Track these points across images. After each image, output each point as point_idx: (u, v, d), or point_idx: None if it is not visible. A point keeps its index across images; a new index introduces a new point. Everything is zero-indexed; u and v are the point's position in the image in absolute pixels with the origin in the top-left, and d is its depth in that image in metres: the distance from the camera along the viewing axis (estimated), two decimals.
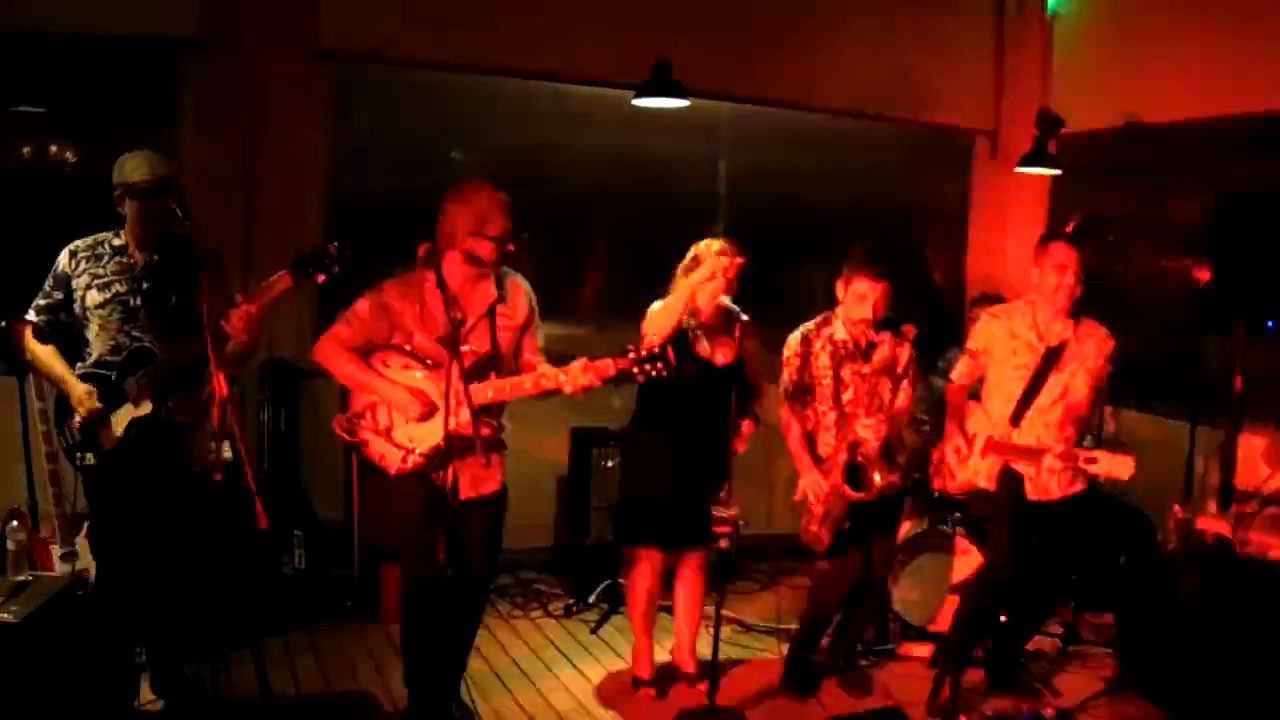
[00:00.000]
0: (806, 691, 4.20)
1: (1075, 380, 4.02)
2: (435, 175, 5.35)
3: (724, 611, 4.17)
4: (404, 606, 3.71)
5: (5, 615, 3.31)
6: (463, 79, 5.50)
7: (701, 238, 4.03)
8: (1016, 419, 4.04)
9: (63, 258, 3.56)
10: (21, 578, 3.61)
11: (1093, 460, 3.79)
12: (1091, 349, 4.04)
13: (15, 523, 4.01)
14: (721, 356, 3.95)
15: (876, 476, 3.94)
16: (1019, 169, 5.94)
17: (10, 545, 4.01)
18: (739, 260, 3.91)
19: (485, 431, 3.46)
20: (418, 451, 3.48)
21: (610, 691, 4.23)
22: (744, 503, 3.73)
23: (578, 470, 5.38)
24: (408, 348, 3.50)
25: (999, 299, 5.63)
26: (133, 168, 3.46)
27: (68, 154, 5.09)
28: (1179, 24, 5.50)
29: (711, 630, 3.90)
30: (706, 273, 3.86)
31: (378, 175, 5.51)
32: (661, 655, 4.35)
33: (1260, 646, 3.89)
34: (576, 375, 3.35)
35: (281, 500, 4.74)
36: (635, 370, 3.33)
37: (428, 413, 3.47)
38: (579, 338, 5.86)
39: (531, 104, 5.74)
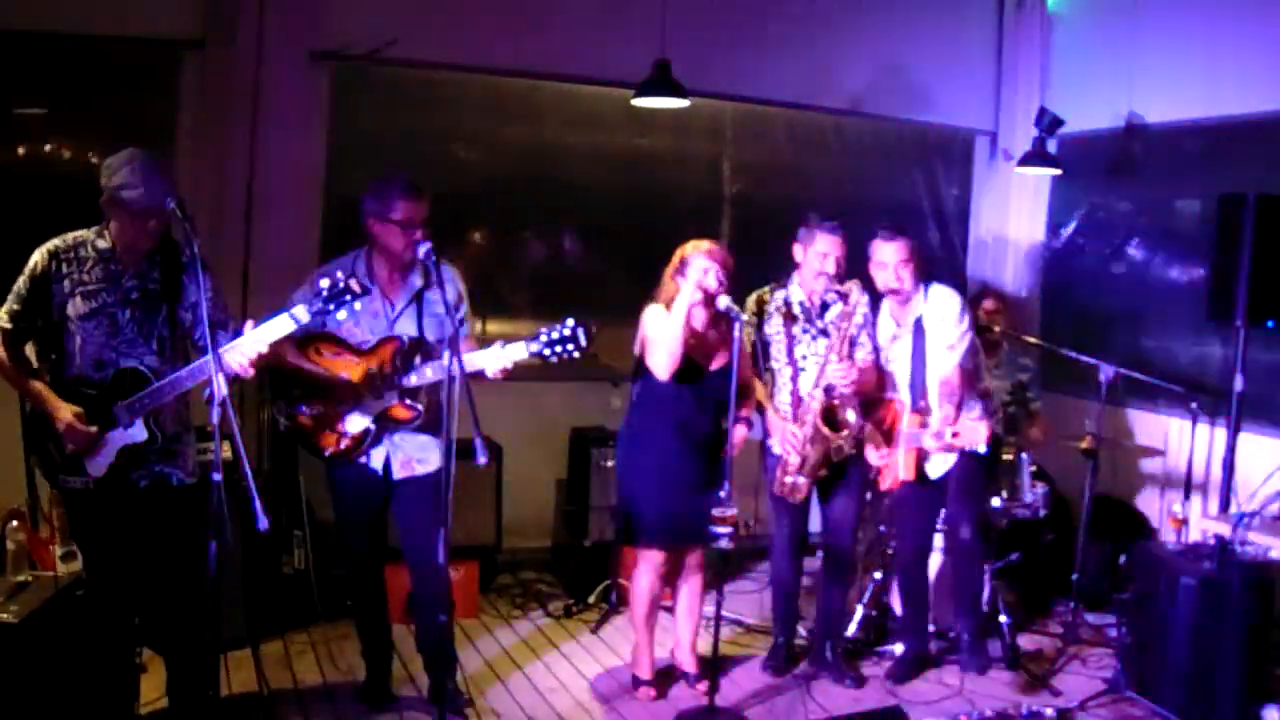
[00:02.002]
0: (780, 671, 4.38)
1: (944, 352, 4.13)
2: (435, 175, 5.33)
3: (724, 611, 4.17)
4: (349, 584, 4.00)
5: (5, 615, 3.31)
6: (463, 79, 5.51)
7: (704, 238, 4.02)
8: (915, 404, 4.18)
9: (40, 258, 3.21)
10: (21, 578, 3.61)
11: (956, 434, 3.93)
12: (935, 314, 4.14)
13: (15, 523, 4.01)
14: (716, 360, 3.95)
15: (850, 414, 4.02)
16: (1019, 169, 5.95)
17: (10, 545, 4.01)
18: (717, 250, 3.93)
19: (413, 414, 3.59)
20: (349, 435, 3.61)
21: (610, 691, 4.23)
22: (744, 504, 3.73)
23: (577, 470, 5.37)
24: (339, 334, 3.59)
25: (1000, 297, 5.64)
26: (124, 177, 3.09)
27: (67, 154, 5.08)
28: (1179, 24, 5.49)
29: (711, 630, 3.91)
30: (697, 273, 3.83)
31: (378, 175, 5.48)
32: (661, 655, 4.35)
33: (1259, 646, 3.89)
34: (494, 358, 3.47)
35: (281, 500, 4.74)
36: (546, 352, 3.43)
37: (357, 398, 3.58)
38: None
39: (531, 104, 5.74)
